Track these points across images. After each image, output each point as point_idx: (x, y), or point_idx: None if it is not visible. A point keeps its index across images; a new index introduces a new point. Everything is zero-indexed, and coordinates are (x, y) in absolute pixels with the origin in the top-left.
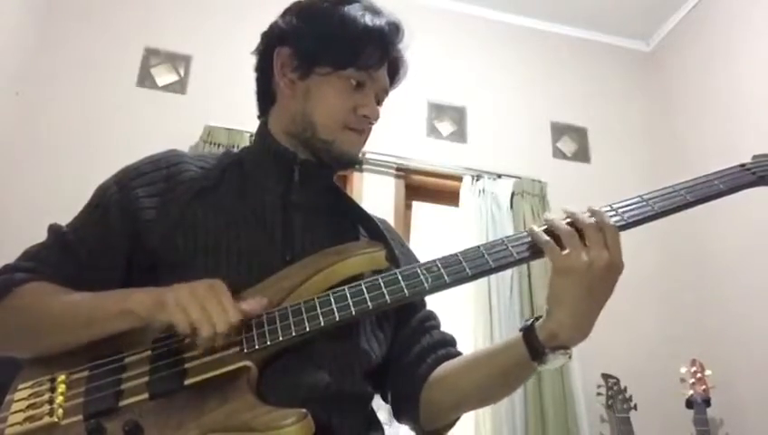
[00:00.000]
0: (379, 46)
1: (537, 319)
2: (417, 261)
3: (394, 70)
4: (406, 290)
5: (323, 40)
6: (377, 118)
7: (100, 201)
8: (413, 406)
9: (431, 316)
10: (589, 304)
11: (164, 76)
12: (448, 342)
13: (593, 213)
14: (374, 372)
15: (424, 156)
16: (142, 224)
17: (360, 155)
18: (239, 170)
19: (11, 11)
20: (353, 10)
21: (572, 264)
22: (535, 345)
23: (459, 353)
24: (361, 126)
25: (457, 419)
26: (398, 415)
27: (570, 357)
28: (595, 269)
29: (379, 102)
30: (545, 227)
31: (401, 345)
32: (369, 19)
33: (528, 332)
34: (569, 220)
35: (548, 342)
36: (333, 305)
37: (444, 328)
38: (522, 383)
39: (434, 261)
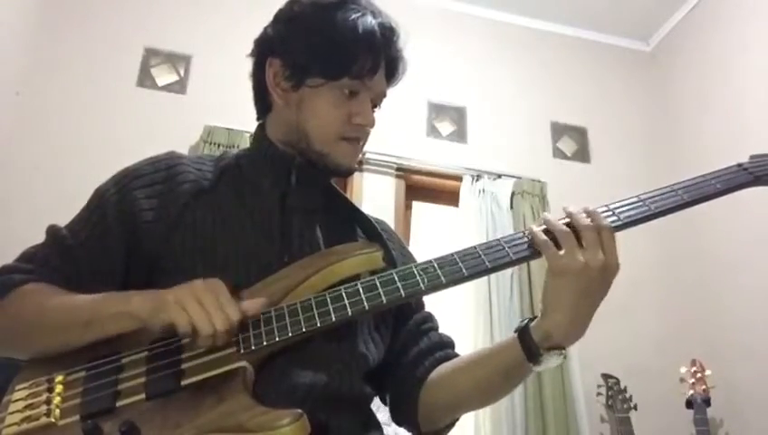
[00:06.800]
0: (372, 53)
1: (532, 319)
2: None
3: (391, 71)
4: (402, 290)
5: (314, 51)
6: (372, 125)
7: (98, 203)
8: (411, 408)
9: (429, 318)
10: (584, 304)
11: (164, 76)
12: (446, 344)
13: (589, 214)
14: (373, 373)
15: (424, 156)
16: (141, 225)
17: (360, 155)
18: (237, 173)
19: (10, 11)
20: (344, 15)
21: (568, 264)
22: (530, 346)
23: (457, 356)
24: (357, 135)
25: (456, 420)
26: (397, 417)
27: (564, 357)
28: (591, 270)
29: (376, 106)
30: (543, 227)
31: (400, 347)
32: (360, 24)
33: (523, 332)
34: (566, 221)
35: (543, 342)
36: (329, 306)
37: (443, 329)
38: (519, 383)
39: (430, 261)
